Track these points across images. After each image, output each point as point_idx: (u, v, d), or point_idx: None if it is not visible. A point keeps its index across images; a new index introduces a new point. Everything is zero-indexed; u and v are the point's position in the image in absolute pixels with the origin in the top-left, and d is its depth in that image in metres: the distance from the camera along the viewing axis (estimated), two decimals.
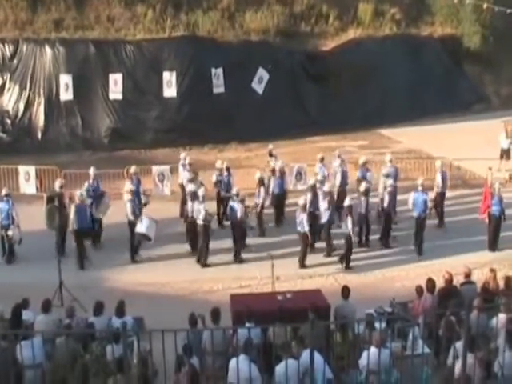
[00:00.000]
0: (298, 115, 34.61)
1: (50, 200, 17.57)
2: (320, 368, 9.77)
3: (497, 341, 11.16)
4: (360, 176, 22.09)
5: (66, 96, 31.52)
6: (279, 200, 22.26)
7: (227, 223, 20.99)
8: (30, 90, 31.75)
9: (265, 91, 33.90)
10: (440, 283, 14.57)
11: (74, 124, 32.04)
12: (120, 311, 13.18)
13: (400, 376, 10.81)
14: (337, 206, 21.21)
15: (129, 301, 14.06)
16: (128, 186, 20.39)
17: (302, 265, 19.25)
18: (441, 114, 36.85)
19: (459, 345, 10.29)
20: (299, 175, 23.81)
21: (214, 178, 22.00)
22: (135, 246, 19.74)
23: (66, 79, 31.45)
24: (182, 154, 23.76)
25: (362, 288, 17.09)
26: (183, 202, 21.57)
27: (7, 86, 31.98)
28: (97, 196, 20.48)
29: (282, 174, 22.43)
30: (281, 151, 29.16)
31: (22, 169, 24.86)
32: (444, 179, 22.36)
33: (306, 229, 18.92)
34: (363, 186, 20.45)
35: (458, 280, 15.19)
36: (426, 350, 11.36)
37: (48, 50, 31.84)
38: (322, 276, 18.53)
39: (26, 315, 13.19)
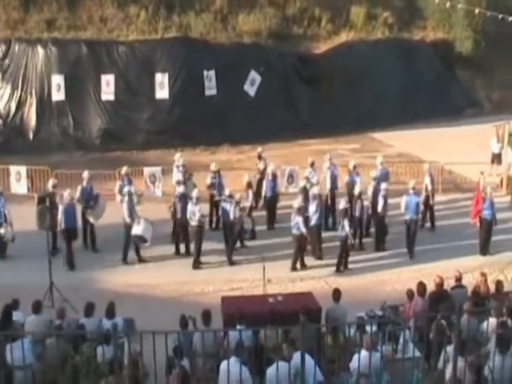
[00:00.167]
0: (290, 118, 34.64)
1: (41, 200, 17.51)
2: (311, 371, 9.78)
3: (488, 345, 11.18)
4: (349, 180, 22.12)
5: (57, 96, 31.45)
6: (271, 203, 22.25)
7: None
8: (22, 89, 31.68)
9: (257, 94, 33.91)
10: (431, 287, 14.59)
11: (66, 124, 31.98)
12: (110, 313, 13.13)
13: (391, 379, 10.80)
14: (327, 210, 21.28)
15: (120, 302, 14.02)
16: (125, 187, 20.44)
17: (301, 265, 19.30)
18: (433, 118, 36.92)
19: (450, 349, 10.30)
20: (291, 178, 23.82)
21: (208, 181, 21.97)
22: (135, 248, 19.71)
23: (58, 79, 31.39)
24: (177, 156, 23.74)
25: (354, 291, 17.08)
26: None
27: None
28: (91, 199, 20.41)
29: (275, 176, 22.40)
30: (273, 154, 29.17)
31: (13, 169, 24.77)
32: (432, 182, 22.38)
33: (303, 231, 18.91)
34: (357, 189, 20.51)
35: (449, 284, 15.23)
36: (417, 353, 11.34)
37: (40, 49, 31.79)
38: (314, 279, 18.55)
39: (17, 316, 13.12)
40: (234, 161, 29.78)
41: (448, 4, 34.10)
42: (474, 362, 10.49)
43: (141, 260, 19.76)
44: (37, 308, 13.24)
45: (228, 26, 35.20)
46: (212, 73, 32.69)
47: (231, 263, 19.72)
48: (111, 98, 31.81)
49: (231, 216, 19.69)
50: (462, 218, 22.31)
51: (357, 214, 20.16)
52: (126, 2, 34.43)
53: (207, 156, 30.96)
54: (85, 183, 20.70)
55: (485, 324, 12.15)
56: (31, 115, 31.75)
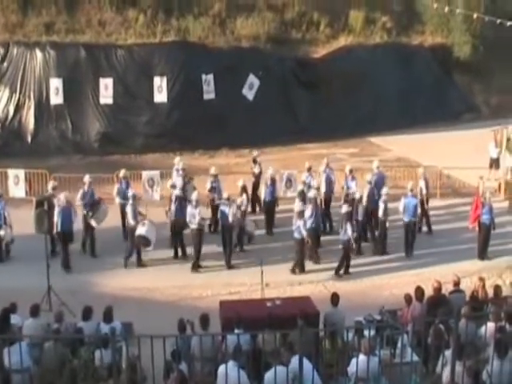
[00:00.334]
0: (288, 122, 34.65)
1: (39, 204, 17.48)
2: (309, 375, 9.77)
3: (487, 350, 11.17)
4: (345, 185, 22.11)
5: (56, 100, 31.46)
6: (270, 207, 22.20)
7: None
8: (20, 93, 31.67)
9: (255, 98, 33.93)
10: (429, 291, 14.58)
11: (64, 128, 31.97)
12: (108, 317, 13.11)
13: (388, 383, 10.81)
14: (322, 214, 21.28)
15: (118, 306, 14.04)
16: (129, 191, 20.55)
17: (300, 270, 19.28)
18: (431, 122, 36.94)
19: (448, 353, 10.29)
20: (289, 182, 23.77)
21: (208, 185, 21.96)
22: (136, 252, 19.69)
23: (56, 83, 31.40)
24: (176, 159, 23.75)
25: (352, 295, 17.08)
26: None
27: None
28: (93, 203, 20.39)
29: (273, 181, 22.35)
30: (271, 158, 29.26)
31: (11, 172, 24.72)
32: (427, 186, 22.38)
33: (304, 234, 18.91)
34: (358, 193, 20.54)
35: (447, 288, 15.22)
36: (415, 357, 11.36)
37: (38, 53, 31.79)
38: (312, 283, 18.53)
39: (14, 319, 13.10)
40: (233, 164, 29.77)
41: (446, 9, 34.20)
42: (472, 366, 10.48)
43: (140, 264, 19.72)
44: (35, 311, 13.23)
45: (226, 30, 35.22)
46: (210, 77, 32.71)
47: (230, 267, 19.72)
48: (110, 101, 31.82)
49: (230, 219, 19.69)
50: (460, 222, 22.34)
51: (360, 218, 20.15)
52: (125, 5, 34.44)
53: (206, 160, 30.96)
54: (86, 187, 20.66)
55: (483, 329, 12.16)
56: (29, 119, 31.74)
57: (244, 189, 21.70)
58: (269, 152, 31.77)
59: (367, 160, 29.05)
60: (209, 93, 32.80)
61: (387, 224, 20.39)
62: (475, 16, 34.95)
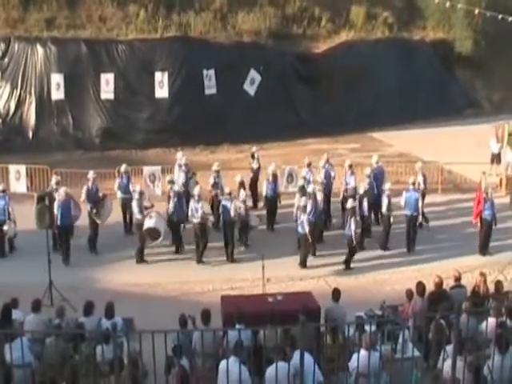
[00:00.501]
0: (289, 117, 34.68)
1: (40, 199, 17.45)
2: (310, 370, 9.77)
3: (490, 346, 11.17)
4: (344, 180, 22.08)
5: (57, 95, 31.48)
6: (272, 204, 22.17)
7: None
8: (22, 88, 31.71)
9: (257, 93, 33.93)
10: (430, 287, 14.58)
11: (66, 123, 32.00)
12: (109, 313, 13.10)
13: (390, 379, 10.80)
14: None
15: (119, 301, 14.02)
16: (135, 186, 20.59)
17: (303, 265, 19.28)
18: (432, 118, 36.98)
19: (449, 348, 10.30)
20: (290, 177, 23.78)
21: (211, 180, 21.94)
22: (139, 247, 19.71)
23: (57, 78, 31.41)
24: (179, 154, 23.75)
25: (353, 291, 17.08)
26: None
27: None
28: (97, 200, 20.35)
29: (275, 177, 22.29)
30: (272, 153, 29.26)
31: (12, 168, 24.75)
32: (425, 181, 22.37)
33: (306, 229, 18.93)
34: (362, 188, 20.53)
35: (448, 284, 15.22)
36: (416, 353, 11.35)
37: (40, 48, 31.81)
38: (313, 278, 18.52)
39: (16, 315, 13.11)
40: (234, 160, 29.76)
41: (448, 4, 34.08)
42: (473, 361, 10.49)
43: (141, 260, 19.72)
44: (36, 307, 13.23)
45: (228, 25, 35.22)
46: (212, 72, 32.70)
47: (232, 260, 19.75)
48: (111, 97, 31.83)
49: (232, 213, 19.71)
50: (462, 217, 22.34)
51: (366, 213, 20.13)
52: (126, 1, 34.50)
53: (207, 155, 31.01)
54: (90, 184, 20.58)
55: (484, 324, 12.17)
56: (30, 114, 31.77)
57: (242, 184, 21.68)
58: (270, 147, 31.79)
59: (368, 155, 28.96)
60: (210, 88, 32.79)
61: (391, 219, 20.37)
62: (477, 11, 34.86)
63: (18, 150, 29.48)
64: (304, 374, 9.53)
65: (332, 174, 22.60)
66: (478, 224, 20.35)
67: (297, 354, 9.66)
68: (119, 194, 21.49)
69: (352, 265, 19.27)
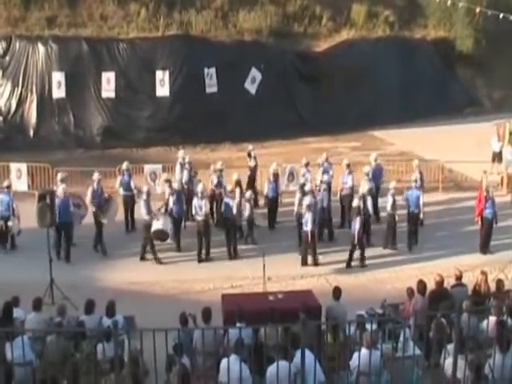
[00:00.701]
0: (290, 116, 34.69)
1: (41, 198, 17.45)
2: (311, 368, 9.77)
3: (491, 344, 11.17)
4: (342, 179, 22.06)
5: (58, 94, 31.44)
6: (273, 203, 22.13)
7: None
8: (23, 87, 31.73)
9: (257, 91, 33.85)
10: (431, 285, 14.59)
11: (67, 122, 32.03)
12: (110, 311, 13.10)
13: (390, 377, 10.79)
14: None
15: (120, 299, 14.03)
16: (144, 187, 20.53)
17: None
18: (433, 116, 36.98)
19: (450, 347, 10.30)
20: (291, 176, 23.73)
21: (214, 180, 21.91)
22: (143, 246, 19.70)
23: (58, 77, 31.36)
24: (180, 153, 23.74)
25: (353, 289, 17.09)
26: (188, 201, 21.65)
27: None
28: (102, 201, 20.27)
29: (276, 177, 22.23)
30: (273, 151, 29.27)
31: (13, 166, 24.75)
32: (422, 179, 22.39)
33: (310, 227, 18.92)
34: (367, 186, 20.52)
35: (449, 282, 15.22)
36: (417, 351, 11.35)
37: (41, 47, 31.82)
38: (314, 277, 18.53)
39: (17, 313, 13.12)
40: (235, 158, 29.76)
41: (449, 2, 34.06)
42: (474, 360, 10.49)
43: (142, 258, 19.72)
44: (37, 305, 13.24)
45: (229, 24, 35.22)
46: (213, 70, 32.65)
47: (235, 256, 19.82)
48: (112, 95, 31.80)
49: (234, 211, 19.72)
50: (463, 216, 22.33)
51: (370, 211, 20.11)
52: None
53: (208, 153, 31.04)
54: (95, 185, 20.50)
55: (485, 323, 12.17)
56: (32, 112, 31.80)
57: (238, 183, 21.63)
58: (270, 146, 31.83)
59: (369, 154, 28.80)
60: (211, 86, 32.74)
61: (396, 218, 20.37)
62: (478, 10, 34.90)
63: (19, 149, 29.51)
64: (305, 372, 9.53)
65: (330, 172, 22.60)
66: (479, 222, 20.36)
67: (298, 353, 9.66)
68: (121, 192, 21.55)
69: (352, 263, 19.27)
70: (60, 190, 19.50)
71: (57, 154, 29.62)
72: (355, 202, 19.48)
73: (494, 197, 20.53)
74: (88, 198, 20.23)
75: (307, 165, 22.72)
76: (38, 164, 25.26)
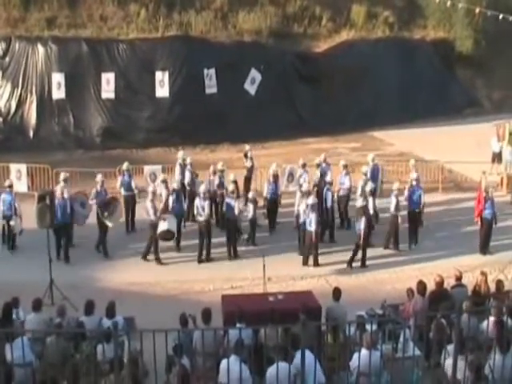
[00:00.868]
0: (290, 116, 34.70)
1: (41, 199, 17.44)
2: (312, 370, 9.76)
3: (491, 345, 11.17)
4: (339, 180, 22.05)
5: (58, 94, 31.49)
6: (272, 204, 22.06)
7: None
8: (22, 88, 31.73)
9: (257, 92, 33.92)
10: (431, 286, 14.59)
11: (66, 123, 32.04)
12: (110, 313, 13.09)
13: (391, 378, 10.79)
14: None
15: (120, 300, 14.02)
16: (149, 187, 20.51)
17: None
18: (433, 117, 37.02)
19: (450, 348, 10.31)
20: (291, 176, 23.71)
21: (216, 181, 21.88)
22: (147, 246, 19.69)
23: (58, 78, 31.42)
24: (180, 153, 23.72)
25: (353, 290, 17.08)
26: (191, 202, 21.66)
27: None
28: (106, 203, 20.09)
29: (276, 178, 22.15)
30: (273, 152, 29.26)
31: (13, 167, 24.77)
32: (417, 178, 22.39)
33: (313, 228, 18.93)
34: (369, 186, 20.55)
35: (449, 283, 15.21)
36: (417, 352, 11.35)
37: (40, 48, 31.83)
38: (314, 277, 18.52)
39: (16, 314, 13.11)
40: (235, 159, 29.76)
41: (448, 3, 34.09)
42: (474, 361, 10.49)
43: (144, 258, 19.71)
44: (37, 306, 13.23)
45: (228, 25, 35.25)
46: (212, 71, 32.70)
47: (236, 256, 19.84)
48: (111, 96, 31.84)
49: (236, 211, 19.77)
50: (462, 216, 22.33)
51: (371, 211, 20.12)
52: (127, 0, 34.44)
53: (207, 154, 31.04)
54: (99, 187, 20.41)
55: (485, 323, 12.16)
56: (31, 113, 31.80)
57: (234, 183, 21.58)
58: (270, 146, 31.86)
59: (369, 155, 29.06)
60: (211, 87, 32.80)
61: (399, 219, 20.38)
62: (477, 10, 34.94)
63: (18, 149, 29.52)
64: (305, 373, 9.53)
65: (329, 173, 22.59)
66: (478, 223, 20.37)
67: (298, 354, 9.66)
68: (122, 192, 21.60)
69: (353, 264, 19.26)
70: (58, 190, 19.50)
71: (56, 155, 29.62)
72: (359, 202, 19.51)
73: (494, 197, 20.53)
74: (92, 200, 20.17)
75: (304, 166, 22.73)
76: (37, 165, 25.26)
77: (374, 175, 22.42)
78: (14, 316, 12.93)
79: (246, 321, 12.37)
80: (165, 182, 21.08)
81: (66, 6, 33.66)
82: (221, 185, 21.79)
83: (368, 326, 11.89)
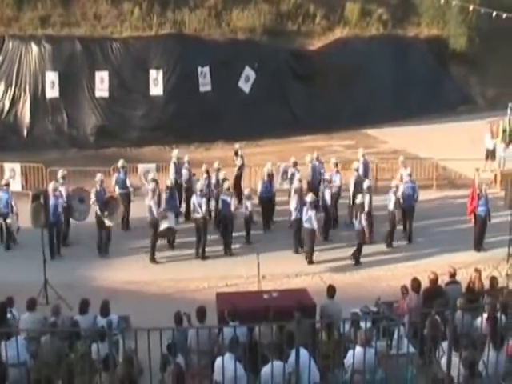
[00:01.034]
0: (284, 114, 34.71)
1: (35, 198, 17.41)
2: (306, 368, 9.77)
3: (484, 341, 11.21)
4: (329, 177, 22.02)
5: (51, 93, 31.45)
6: (266, 203, 21.99)
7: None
8: (16, 86, 31.64)
9: (251, 90, 33.95)
10: (425, 283, 14.62)
11: (60, 121, 31.96)
12: (104, 311, 13.09)
13: (385, 375, 10.83)
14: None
15: (115, 299, 14.03)
16: (149, 186, 20.38)
17: (310, 261, 19.32)
18: (426, 114, 37.05)
19: (444, 344, 10.34)
20: (285, 174, 23.68)
21: (213, 180, 21.86)
22: (152, 247, 19.69)
23: (51, 76, 31.39)
24: (175, 152, 23.68)
25: (348, 287, 17.11)
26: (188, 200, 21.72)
27: None
28: (105, 202, 19.95)
29: (271, 177, 22.13)
30: (267, 150, 29.26)
31: (7, 166, 24.71)
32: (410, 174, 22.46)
33: (315, 225, 18.97)
34: (366, 183, 20.58)
35: (443, 280, 15.25)
36: (411, 349, 11.37)
37: (34, 46, 31.75)
38: (308, 275, 18.54)
39: (11, 313, 13.10)
40: (229, 157, 29.71)
41: (442, 1, 34.17)
42: (468, 357, 10.52)
43: (154, 260, 19.68)
44: (31, 305, 13.21)
45: (222, 23, 35.22)
46: (206, 69, 32.71)
47: (231, 254, 19.90)
48: (105, 94, 31.83)
49: (232, 208, 19.84)
50: (457, 214, 22.35)
51: (366, 208, 20.09)
52: None
53: (202, 152, 31.01)
54: (98, 186, 20.22)
55: (479, 320, 12.20)
56: (25, 112, 31.72)
57: (223, 181, 21.55)
58: (264, 144, 31.87)
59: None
60: (205, 85, 32.81)
61: (397, 217, 20.42)
62: (471, 8, 35.03)
63: (12, 149, 29.47)
64: (300, 371, 9.55)
65: (322, 171, 22.65)
66: (472, 220, 20.42)
67: (293, 351, 9.67)
68: (117, 190, 21.50)
69: (348, 261, 19.29)
70: (50, 187, 19.49)
71: (50, 154, 29.57)
72: (359, 199, 19.53)
73: (488, 194, 20.56)
74: (91, 200, 20.05)
75: (295, 164, 22.76)
76: (31, 164, 25.22)
77: (365, 171, 22.65)
78: (8, 315, 12.92)
79: (241, 319, 12.37)
80: (155, 180, 21.00)
81: (59, 5, 33.58)
82: (217, 183, 21.79)
83: (362, 324, 11.91)
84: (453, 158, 27.12)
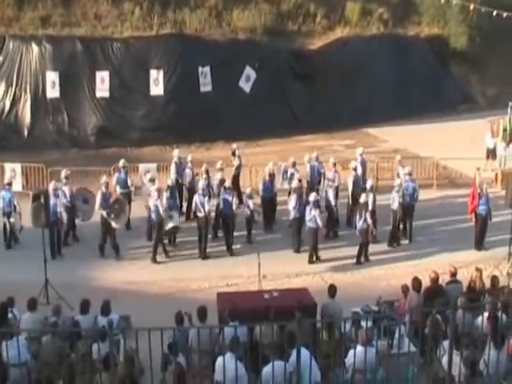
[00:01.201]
0: (285, 114, 34.68)
1: (35, 198, 17.41)
2: (307, 368, 9.77)
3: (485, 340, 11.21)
4: (332, 177, 22.03)
5: (52, 93, 31.43)
6: (268, 203, 21.93)
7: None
8: (17, 87, 31.62)
9: (252, 90, 33.93)
10: (426, 282, 14.61)
11: (61, 121, 31.94)
12: (105, 310, 13.10)
13: (386, 374, 10.82)
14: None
15: (116, 299, 14.04)
16: (153, 186, 20.28)
17: (311, 260, 19.34)
18: (427, 113, 37.00)
19: (445, 343, 10.33)
20: (286, 174, 23.66)
21: (216, 181, 21.85)
22: (162, 245, 19.76)
23: (52, 76, 31.37)
24: (175, 152, 23.65)
25: (349, 287, 17.11)
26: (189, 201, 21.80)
27: None
28: (112, 204, 19.83)
29: (272, 177, 22.06)
30: (268, 150, 29.25)
31: (7, 166, 24.74)
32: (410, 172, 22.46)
33: (320, 224, 18.99)
34: (369, 182, 20.58)
35: (444, 279, 15.25)
36: (412, 348, 11.38)
37: (34, 46, 31.72)
38: (309, 275, 18.54)
39: (12, 314, 13.10)
40: (229, 157, 29.70)
41: (443, 0, 34.14)
42: (468, 356, 10.52)
43: (167, 255, 19.83)
44: (32, 305, 13.22)
45: (223, 23, 35.19)
46: (207, 69, 32.70)
47: (231, 254, 19.91)
48: (106, 94, 31.81)
49: (234, 207, 19.93)
50: (457, 213, 22.33)
51: (370, 207, 20.07)
52: None
53: (202, 152, 30.99)
54: (104, 188, 20.07)
55: (480, 319, 12.19)
56: (26, 112, 31.70)
57: (222, 182, 21.50)
58: (265, 144, 31.87)
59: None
60: (205, 85, 32.80)
61: (398, 216, 20.42)
62: (472, 7, 34.97)
63: (13, 149, 29.45)
64: (301, 371, 9.55)
65: (322, 171, 22.65)
66: (473, 219, 20.42)
67: (294, 351, 9.67)
68: (118, 189, 21.48)
69: (349, 261, 19.31)
70: (50, 187, 19.50)
71: (51, 154, 29.56)
72: (362, 198, 19.54)
73: (488, 193, 20.56)
74: (98, 202, 19.92)
75: (294, 164, 22.76)
76: (32, 164, 25.23)
77: (363, 170, 22.73)
78: (9, 315, 12.92)
79: (242, 318, 12.36)
80: (152, 180, 20.99)
81: (60, 5, 33.56)
82: (220, 183, 21.78)
83: (363, 323, 11.89)
84: (453, 157, 27.10)
